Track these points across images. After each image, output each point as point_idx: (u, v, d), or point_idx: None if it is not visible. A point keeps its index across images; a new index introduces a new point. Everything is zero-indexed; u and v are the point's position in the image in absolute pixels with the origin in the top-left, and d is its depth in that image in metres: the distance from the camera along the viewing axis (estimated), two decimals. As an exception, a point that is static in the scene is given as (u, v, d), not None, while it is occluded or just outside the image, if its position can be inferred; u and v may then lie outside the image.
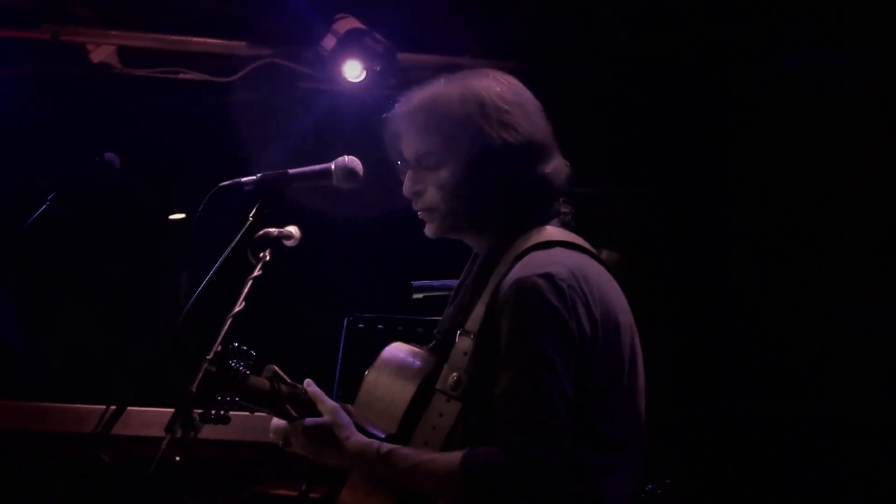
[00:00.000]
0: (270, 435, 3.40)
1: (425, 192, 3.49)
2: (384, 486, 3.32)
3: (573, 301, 3.19)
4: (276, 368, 3.29)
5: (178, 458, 2.91)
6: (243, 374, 3.18)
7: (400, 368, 3.48)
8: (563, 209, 3.52)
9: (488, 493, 3.07)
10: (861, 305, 6.46)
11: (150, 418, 5.27)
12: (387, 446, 3.24)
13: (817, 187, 6.57)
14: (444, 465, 3.14)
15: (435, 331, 3.55)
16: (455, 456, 3.13)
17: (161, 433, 2.91)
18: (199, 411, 3.10)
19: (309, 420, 3.29)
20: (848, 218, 6.46)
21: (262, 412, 3.32)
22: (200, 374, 3.06)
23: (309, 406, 3.32)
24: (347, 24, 6.90)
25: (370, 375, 3.54)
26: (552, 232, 3.41)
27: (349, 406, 3.45)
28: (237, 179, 3.50)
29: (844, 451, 6.34)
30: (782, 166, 6.74)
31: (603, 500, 3.23)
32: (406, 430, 3.33)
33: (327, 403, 3.32)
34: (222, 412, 3.15)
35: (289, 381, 3.31)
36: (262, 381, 3.25)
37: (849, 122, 6.43)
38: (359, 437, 3.28)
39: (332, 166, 3.54)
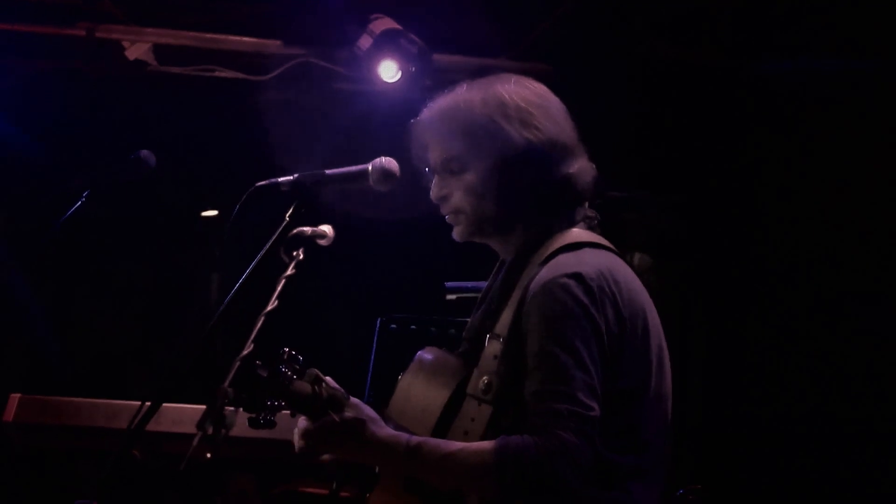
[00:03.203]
0: (295, 440, 3.38)
1: (452, 195, 3.51)
2: (414, 489, 3.33)
3: (602, 301, 3.19)
4: (318, 372, 3.28)
5: (209, 455, 2.91)
6: (289, 378, 3.19)
7: (433, 374, 3.49)
8: (589, 213, 3.53)
9: (521, 480, 3.06)
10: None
11: (180, 415, 5.27)
12: (416, 438, 3.24)
13: (853, 196, 6.53)
14: (476, 454, 3.13)
15: (463, 336, 3.55)
16: (487, 444, 3.12)
17: (192, 430, 2.91)
18: (250, 416, 3.12)
19: (331, 417, 3.27)
20: (887, 226, 6.41)
21: (303, 415, 3.32)
22: (250, 379, 3.08)
23: (349, 410, 3.32)
24: (383, 24, 6.92)
25: (404, 381, 3.55)
26: (579, 234, 3.42)
27: (386, 410, 3.46)
28: (274, 179, 3.50)
29: (877, 459, 6.30)
30: (817, 175, 6.70)
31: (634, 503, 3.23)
32: (439, 435, 3.32)
33: (350, 401, 3.32)
34: (270, 417, 3.16)
35: (330, 385, 3.31)
36: (305, 386, 3.24)
37: (886, 129, 6.39)
38: (387, 430, 3.28)
39: (369, 168, 3.53)
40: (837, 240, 6.59)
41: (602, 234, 3.50)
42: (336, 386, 3.32)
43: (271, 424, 3.16)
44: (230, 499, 5.59)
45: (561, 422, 3.05)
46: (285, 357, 3.20)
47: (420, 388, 3.49)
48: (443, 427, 3.35)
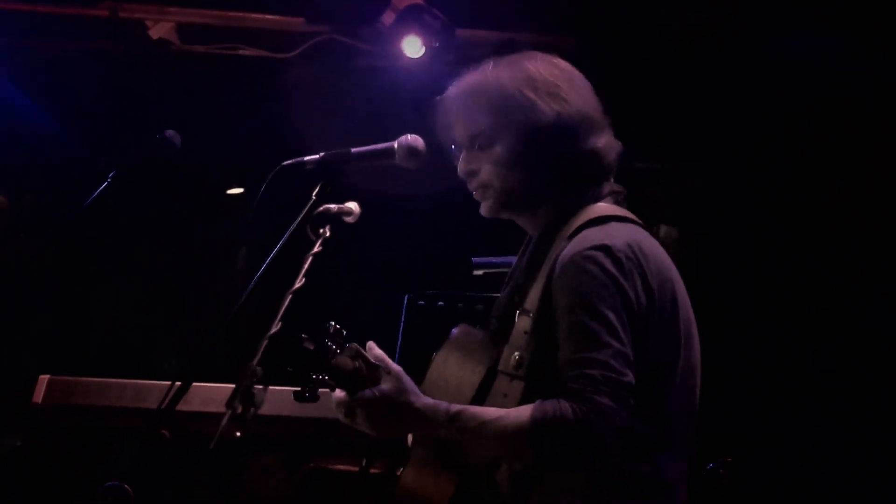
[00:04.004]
0: (334, 408, 3.39)
1: (480, 170, 3.52)
2: (448, 468, 3.35)
3: (630, 272, 3.20)
4: (358, 347, 3.30)
5: (238, 434, 2.91)
6: (334, 352, 3.21)
7: (467, 352, 3.50)
8: (616, 188, 3.53)
9: (558, 444, 3.08)
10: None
11: (209, 394, 5.28)
12: (456, 406, 3.25)
13: (879, 169, 6.50)
14: (514, 420, 3.14)
15: (492, 314, 3.55)
16: (524, 410, 3.14)
17: (220, 409, 2.92)
18: (296, 390, 3.16)
19: (372, 389, 3.29)
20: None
21: (343, 390, 3.32)
22: (297, 352, 3.10)
23: (391, 381, 3.32)
24: (406, -1, 6.91)
25: (438, 358, 3.56)
26: (605, 208, 3.42)
27: (420, 386, 3.47)
28: (299, 158, 3.50)
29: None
30: (843, 147, 6.67)
31: (662, 475, 3.23)
32: None
33: (392, 367, 3.34)
34: (315, 391, 3.18)
35: (371, 360, 3.31)
36: (346, 361, 3.26)
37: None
38: (427, 400, 3.30)
39: (395, 145, 3.54)
40: (867, 206, 6.56)
41: (628, 208, 3.50)
42: (380, 355, 3.33)
43: (315, 399, 3.19)
44: (257, 477, 5.61)
45: (596, 387, 3.06)
46: (331, 331, 3.22)
47: (454, 365, 3.51)
48: (477, 404, 3.34)
